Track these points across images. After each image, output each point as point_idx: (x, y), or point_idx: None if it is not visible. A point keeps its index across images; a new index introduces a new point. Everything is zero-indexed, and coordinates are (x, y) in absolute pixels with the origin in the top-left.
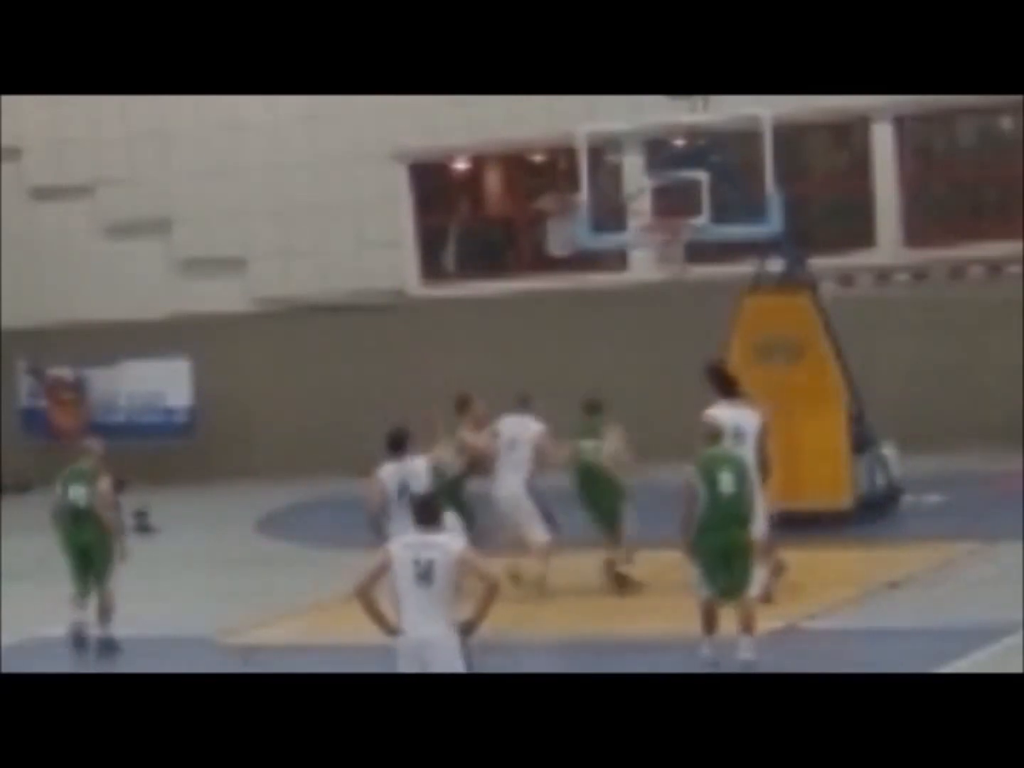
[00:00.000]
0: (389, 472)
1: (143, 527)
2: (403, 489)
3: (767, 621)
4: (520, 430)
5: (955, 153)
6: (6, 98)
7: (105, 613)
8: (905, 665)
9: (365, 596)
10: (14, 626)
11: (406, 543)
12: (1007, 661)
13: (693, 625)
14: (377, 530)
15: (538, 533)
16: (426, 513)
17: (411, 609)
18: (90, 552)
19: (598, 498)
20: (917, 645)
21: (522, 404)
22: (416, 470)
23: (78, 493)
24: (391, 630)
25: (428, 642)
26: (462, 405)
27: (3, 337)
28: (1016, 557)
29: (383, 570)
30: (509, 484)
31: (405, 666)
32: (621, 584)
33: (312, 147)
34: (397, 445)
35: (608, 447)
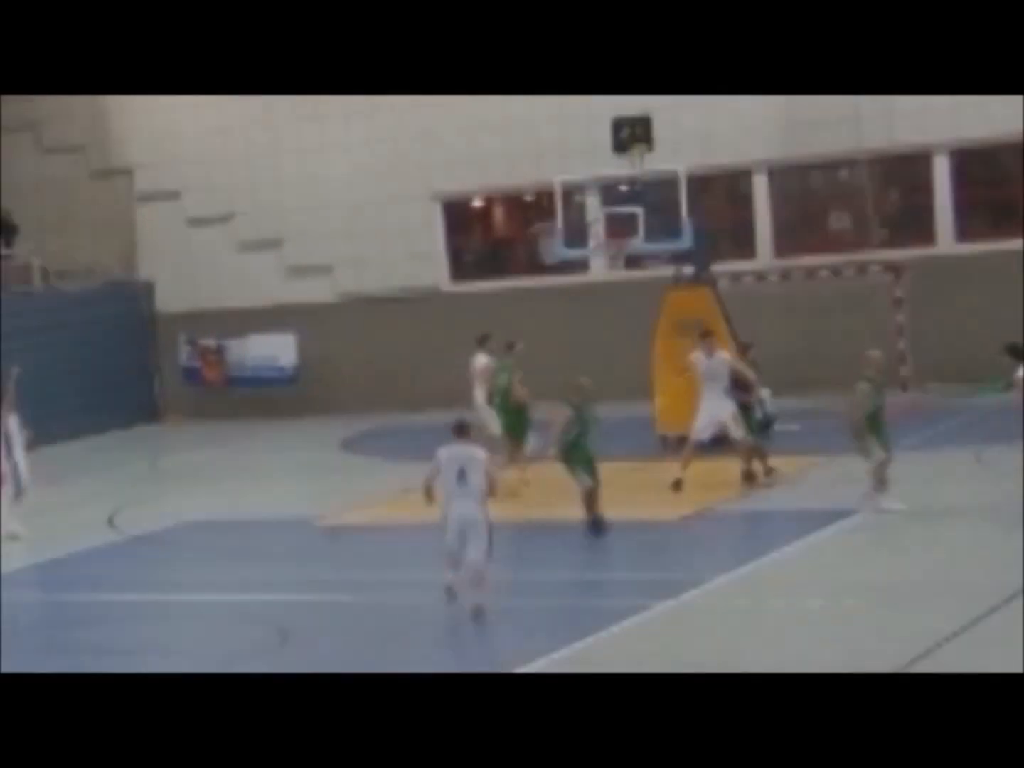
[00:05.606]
0: None
1: None
2: None
3: (685, 506)
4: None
5: (808, 194)
6: (171, 154)
7: None
8: (778, 534)
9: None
10: (177, 511)
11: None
12: (844, 537)
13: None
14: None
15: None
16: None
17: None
18: None
19: None
20: (785, 521)
21: None
22: None
23: None
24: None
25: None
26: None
27: (170, 318)
28: (849, 466)
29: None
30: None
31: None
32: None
33: (377, 190)
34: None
35: None
